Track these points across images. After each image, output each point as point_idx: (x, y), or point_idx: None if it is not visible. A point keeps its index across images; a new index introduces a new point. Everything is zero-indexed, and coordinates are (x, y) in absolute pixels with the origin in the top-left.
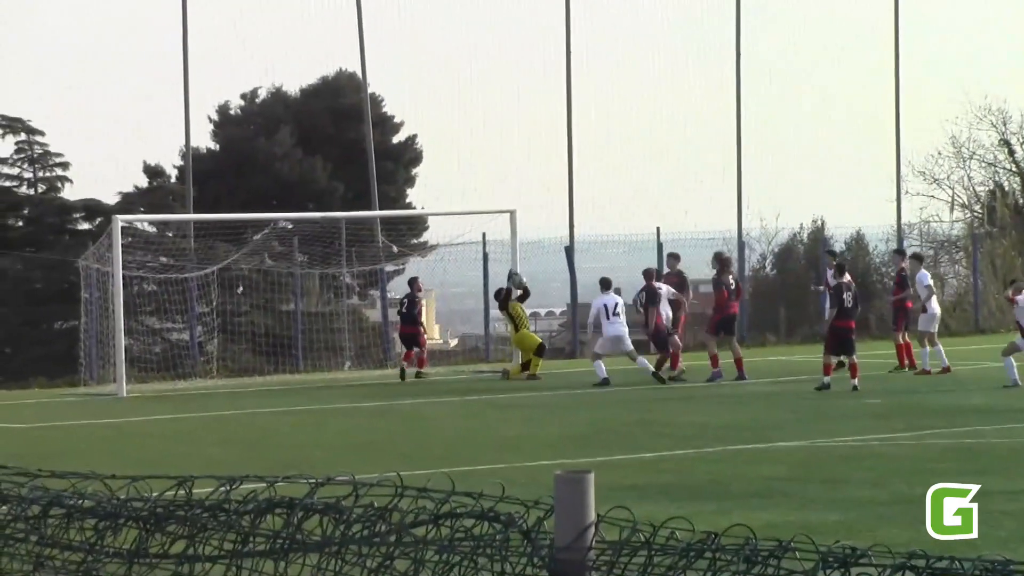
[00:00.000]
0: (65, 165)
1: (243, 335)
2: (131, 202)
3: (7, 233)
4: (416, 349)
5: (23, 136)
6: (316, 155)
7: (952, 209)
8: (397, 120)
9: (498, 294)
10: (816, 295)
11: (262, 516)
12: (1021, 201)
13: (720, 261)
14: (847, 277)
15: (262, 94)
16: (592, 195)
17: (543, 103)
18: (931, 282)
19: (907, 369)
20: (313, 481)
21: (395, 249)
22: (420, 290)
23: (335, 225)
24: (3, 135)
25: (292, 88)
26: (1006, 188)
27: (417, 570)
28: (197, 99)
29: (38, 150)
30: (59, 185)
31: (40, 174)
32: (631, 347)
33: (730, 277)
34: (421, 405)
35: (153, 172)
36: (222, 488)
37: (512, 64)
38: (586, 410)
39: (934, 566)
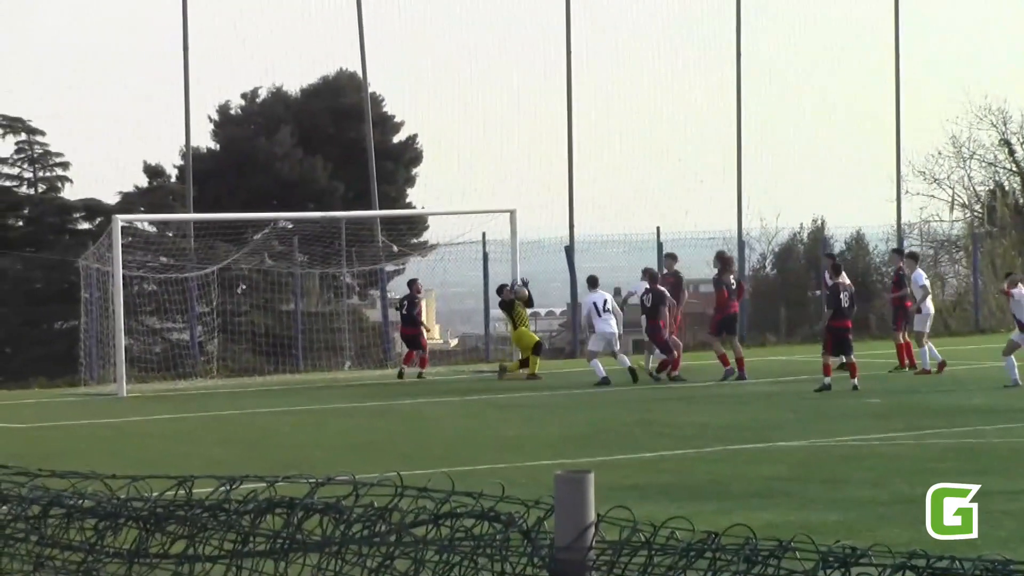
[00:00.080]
0: (65, 165)
1: (243, 335)
2: (131, 202)
3: (7, 233)
4: (418, 351)
5: (23, 136)
6: (316, 155)
7: (952, 209)
8: (397, 120)
9: (500, 290)
10: (816, 298)
11: (262, 516)
12: (1021, 201)
13: (722, 261)
14: (844, 278)
15: (262, 94)
16: (592, 195)
17: (543, 103)
18: (926, 282)
19: (907, 369)
20: (313, 481)
21: (395, 249)
22: (419, 291)
23: (335, 225)
24: (3, 135)
25: (292, 88)
26: (1006, 188)
27: (417, 570)
28: (197, 99)
29: (38, 150)
30: (59, 185)
31: (40, 174)
32: (618, 346)
33: (731, 277)
34: (421, 405)
35: (153, 172)
36: (222, 488)
37: (512, 64)
38: (586, 410)
39: (934, 566)
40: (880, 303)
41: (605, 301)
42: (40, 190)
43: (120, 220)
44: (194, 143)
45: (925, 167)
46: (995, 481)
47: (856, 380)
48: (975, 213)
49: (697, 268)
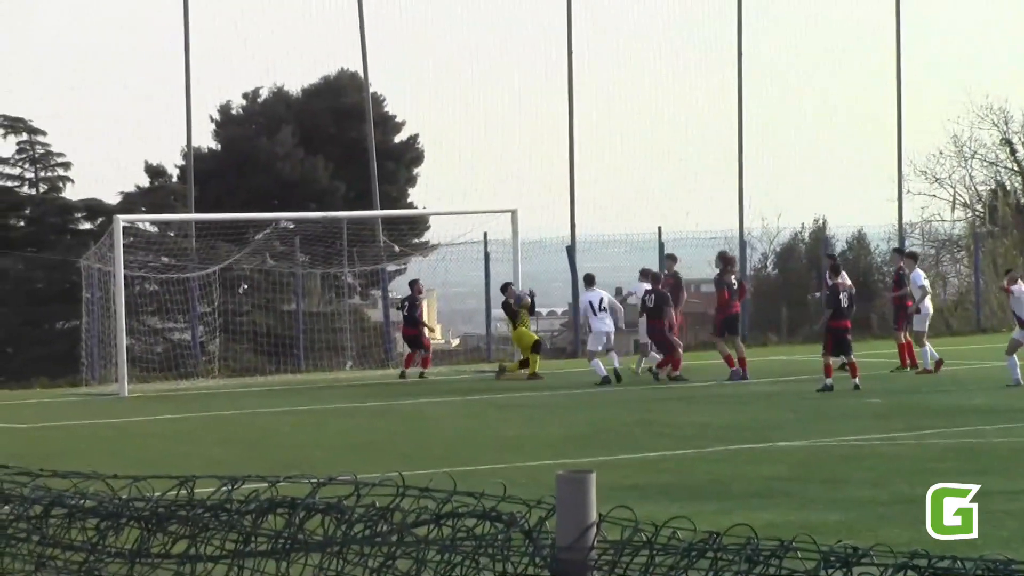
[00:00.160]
0: (67, 165)
1: (245, 335)
2: (132, 202)
3: (9, 233)
4: (420, 351)
5: (25, 136)
6: (317, 155)
7: (954, 208)
8: (399, 120)
9: (505, 288)
10: (816, 300)
11: (264, 516)
12: (1022, 200)
13: (724, 260)
14: (844, 278)
15: (264, 94)
16: (594, 195)
17: (545, 103)
18: (925, 282)
19: (909, 369)
20: (315, 481)
21: (397, 249)
22: (421, 292)
23: (336, 225)
24: (5, 135)
25: (294, 88)
26: (1008, 187)
27: (419, 570)
28: (199, 99)
29: (40, 150)
30: (61, 185)
31: (42, 174)
32: (612, 344)
33: (732, 277)
34: (422, 405)
35: (154, 172)
36: (224, 488)
37: (514, 64)
38: (587, 410)
39: (936, 566)
40: (882, 303)
41: (601, 300)
42: (41, 190)
43: (121, 220)
44: (195, 143)
45: (926, 167)
46: (996, 481)
47: (857, 379)
48: (976, 213)
49: (699, 268)
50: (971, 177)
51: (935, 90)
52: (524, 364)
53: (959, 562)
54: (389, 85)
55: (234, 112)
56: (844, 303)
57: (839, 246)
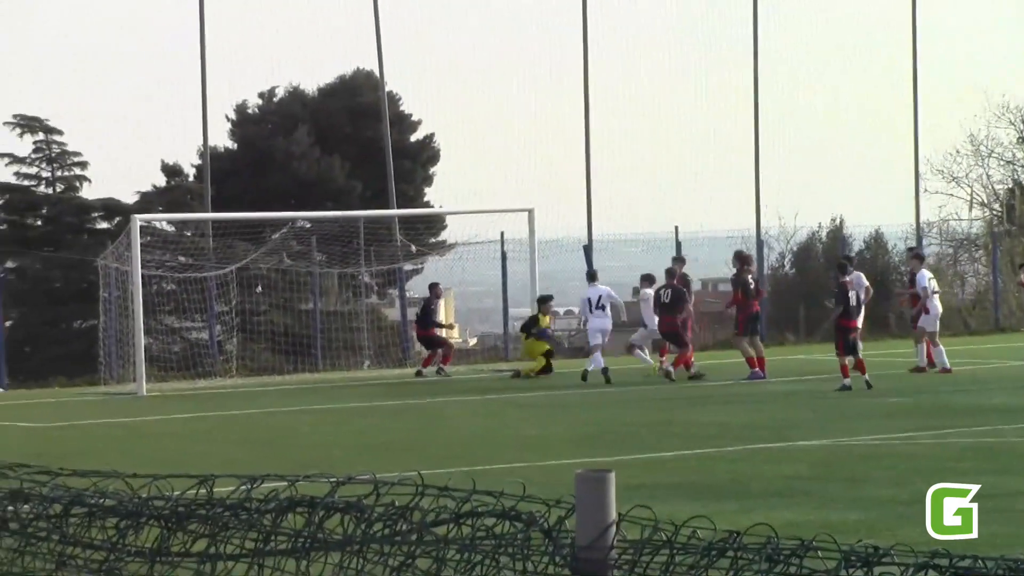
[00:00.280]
0: (83, 164)
1: (262, 334)
2: (149, 201)
3: (26, 232)
4: (438, 350)
5: (41, 136)
6: (334, 154)
7: (971, 207)
8: (415, 119)
9: (543, 300)
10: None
11: (283, 515)
12: None
13: (740, 259)
14: (854, 276)
15: (280, 93)
16: (610, 194)
17: (561, 101)
18: (928, 283)
19: (928, 368)
20: (334, 480)
21: (413, 248)
22: (439, 295)
23: (353, 224)
24: (21, 135)
25: (310, 87)
26: None
27: (439, 569)
28: (215, 98)
29: (56, 149)
30: (77, 184)
31: (58, 173)
32: (606, 342)
33: (749, 276)
34: (440, 404)
35: (171, 171)
36: (243, 487)
37: (529, 62)
38: (605, 409)
39: (957, 565)
40: (901, 302)
41: (600, 297)
42: (58, 190)
43: (139, 219)
44: (212, 142)
45: (943, 165)
46: (1016, 480)
47: (867, 376)
48: (994, 211)
49: (716, 267)
50: (988, 176)
51: (952, 88)
52: (543, 371)
53: (980, 561)
54: (405, 84)
55: (250, 111)
56: (853, 302)
57: (856, 245)
